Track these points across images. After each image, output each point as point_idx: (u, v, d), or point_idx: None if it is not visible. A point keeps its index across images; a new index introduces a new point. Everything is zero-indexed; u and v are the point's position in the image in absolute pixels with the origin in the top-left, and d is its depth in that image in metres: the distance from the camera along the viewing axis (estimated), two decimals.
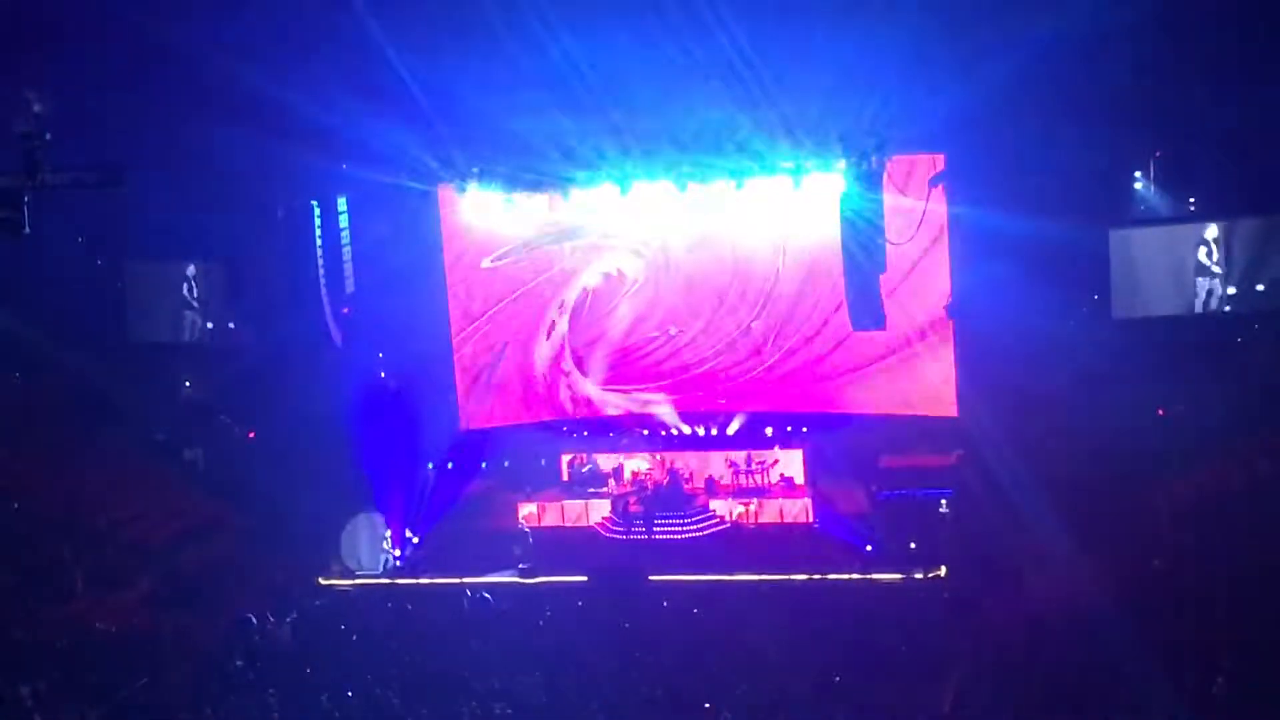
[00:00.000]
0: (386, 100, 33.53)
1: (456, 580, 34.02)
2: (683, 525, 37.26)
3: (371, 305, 38.05)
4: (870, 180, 33.31)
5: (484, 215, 38.94)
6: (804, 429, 39.75)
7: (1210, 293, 33.75)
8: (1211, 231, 33.71)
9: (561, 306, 40.45)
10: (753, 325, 39.20)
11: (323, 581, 34.66)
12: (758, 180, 36.09)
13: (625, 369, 40.68)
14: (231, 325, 39.21)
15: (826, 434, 39.27)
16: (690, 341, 39.90)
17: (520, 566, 34.87)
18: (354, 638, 30.07)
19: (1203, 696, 23.12)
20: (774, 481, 38.62)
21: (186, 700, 26.63)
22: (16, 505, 32.87)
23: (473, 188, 37.56)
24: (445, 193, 38.50)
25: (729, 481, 39.00)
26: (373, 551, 35.87)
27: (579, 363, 40.78)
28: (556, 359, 40.83)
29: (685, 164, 36.02)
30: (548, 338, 40.72)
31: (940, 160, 35.27)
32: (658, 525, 37.13)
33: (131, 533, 33.92)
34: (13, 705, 25.11)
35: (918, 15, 31.03)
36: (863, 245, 33.55)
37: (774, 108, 33.51)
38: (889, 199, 34.12)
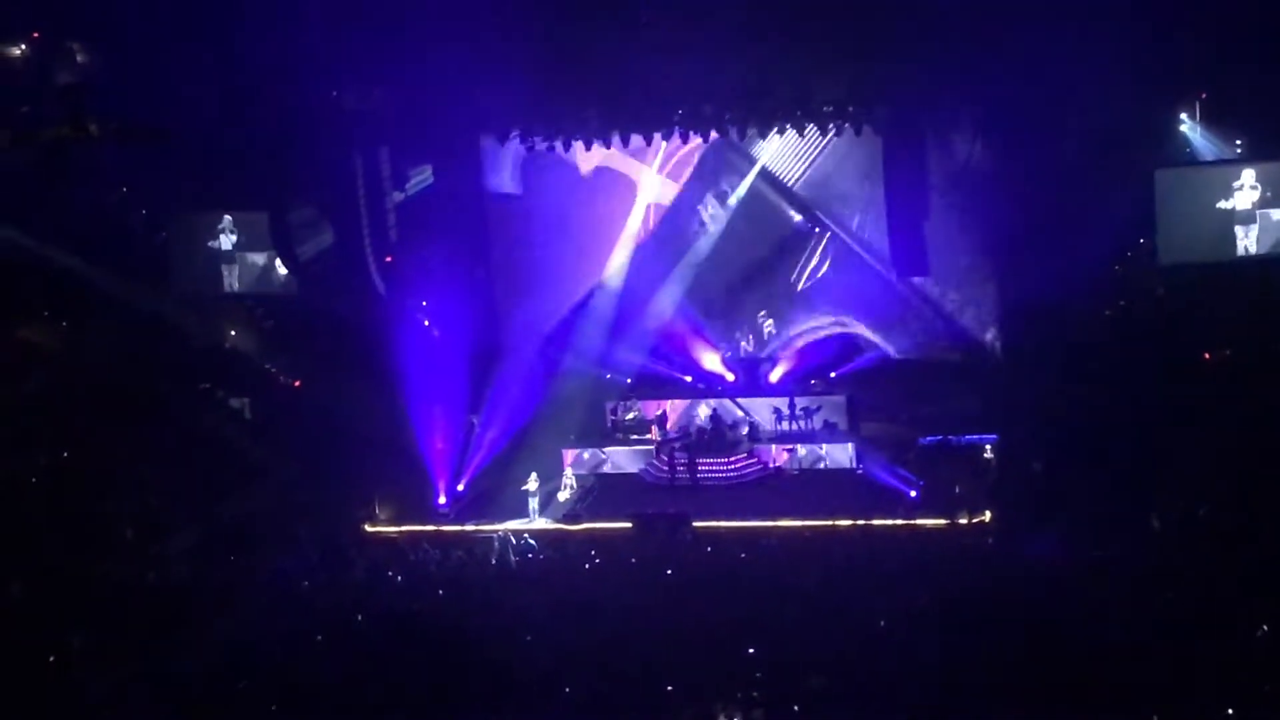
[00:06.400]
0: (431, 53, 33.55)
1: (501, 528, 34.16)
2: (726, 471, 37.33)
3: (415, 254, 38.08)
4: (912, 128, 33.09)
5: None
6: (848, 375, 39.78)
7: (1257, 236, 33.45)
8: (1257, 174, 33.38)
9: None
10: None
11: (369, 529, 34.85)
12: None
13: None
14: (274, 275, 39.33)
15: (870, 380, 39.27)
16: None
17: (564, 514, 35.06)
18: (399, 581, 30.26)
19: (1248, 641, 23.04)
20: (818, 427, 38.62)
21: (232, 649, 26.79)
22: (65, 455, 33.07)
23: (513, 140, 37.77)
24: (487, 143, 38.51)
25: (773, 427, 39.00)
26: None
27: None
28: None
29: (726, 119, 36.05)
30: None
31: (985, 105, 35.06)
32: (701, 471, 37.19)
33: (178, 483, 34.10)
34: (60, 656, 25.30)
35: None
36: (906, 192, 33.37)
37: (818, 58, 33.41)
38: (931, 145, 33.98)
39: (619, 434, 39.71)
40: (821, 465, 37.49)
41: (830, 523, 32.49)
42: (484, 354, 39.18)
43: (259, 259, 39.26)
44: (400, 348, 36.47)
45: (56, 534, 29.64)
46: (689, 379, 41.09)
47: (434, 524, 35.30)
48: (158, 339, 38.40)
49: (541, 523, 34.89)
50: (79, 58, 28.93)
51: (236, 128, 35.45)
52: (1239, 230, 33.49)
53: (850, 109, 34.88)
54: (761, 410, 39.29)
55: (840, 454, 37.46)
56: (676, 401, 40.23)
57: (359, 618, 27.93)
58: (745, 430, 38.89)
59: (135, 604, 28.40)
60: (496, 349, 39.89)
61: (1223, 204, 33.46)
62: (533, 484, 35.50)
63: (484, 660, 25.29)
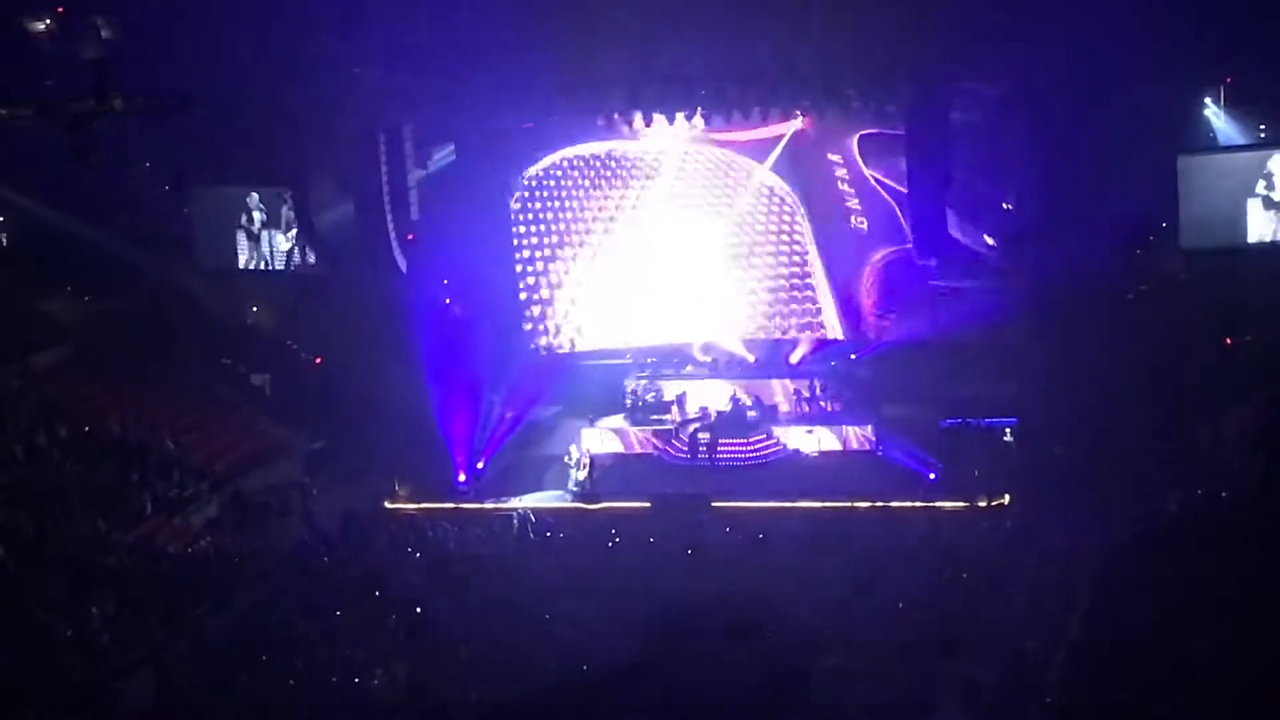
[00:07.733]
0: (454, 31, 33.55)
1: (520, 506, 34.22)
2: (745, 451, 37.34)
3: (437, 232, 38.10)
4: (935, 108, 33.02)
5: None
6: (868, 357, 39.73)
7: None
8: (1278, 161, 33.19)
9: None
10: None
11: (389, 505, 34.93)
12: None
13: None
14: (297, 252, 39.36)
15: (890, 362, 39.22)
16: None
17: (583, 492, 35.10)
18: (419, 558, 30.36)
19: (1268, 625, 23.00)
20: (838, 409, 38.60)
21: (252, 622, 26.90)
22: (87, 429, 33.16)
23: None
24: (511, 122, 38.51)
25: (792, 409, 39.00)
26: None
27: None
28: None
29: (750, 99, 35.96)
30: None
31: (1008, 88, 34.95)
32: (721, 452, 37.22)
33: (199, 457, 34.20)
34: (82, 627, 25.39)
35: None
36: (929, 173, 33.31)
37: (841, 39, 33.31)
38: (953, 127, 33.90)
39: (639, 414, 39.69)
40: (840, 447, 37.48)
41: (849, 504, 32.52)
42: (504, 332, 39.20)
43: (284, 235, 39.28)
44: (421, 325, 36.53)
45: (76, 505, 29.70)
46: (709, 359, 41.02)
47: (453, 501, 35.39)
48: (180, 314, 38.48)
49: (561, 501, 34.97)
50: (103, 31, 28.87)
51: (260, 104, 35.44)
52: (1269, 214, 33.27)
53: (873, 89, 34.78)
54: (781, 391, 39.29)
55: (859, 435, 37.43)
56: (696, 382, 40.21)
57: (376, 593, 28.06)
58: (765, 411, 38.87)
59: (156, 576, 28.50)
60: (518, 327, 39.91)
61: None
62: (572, 455, 35.66)
63: (505, 636, 25.41)
